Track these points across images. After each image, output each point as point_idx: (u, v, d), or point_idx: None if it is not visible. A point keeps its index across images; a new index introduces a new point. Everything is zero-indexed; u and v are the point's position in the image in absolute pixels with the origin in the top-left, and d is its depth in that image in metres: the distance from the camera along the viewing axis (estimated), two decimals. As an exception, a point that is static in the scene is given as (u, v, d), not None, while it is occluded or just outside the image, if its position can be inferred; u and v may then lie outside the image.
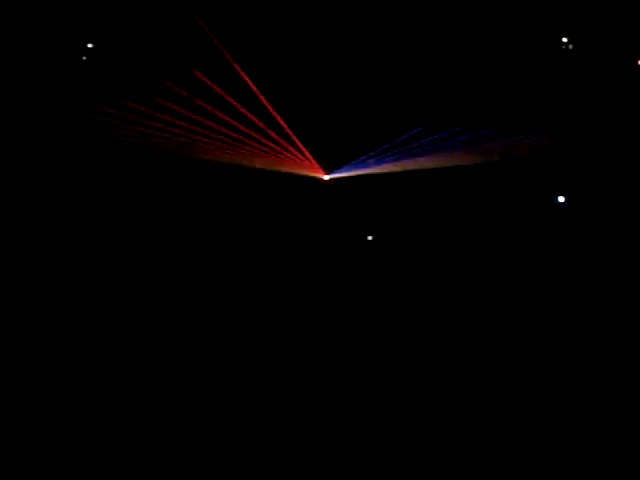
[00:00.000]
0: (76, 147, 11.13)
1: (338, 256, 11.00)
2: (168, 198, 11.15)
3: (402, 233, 11.12)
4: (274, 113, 11.18)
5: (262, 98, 11.17)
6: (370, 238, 11.10)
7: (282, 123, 11.26)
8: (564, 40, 11.37)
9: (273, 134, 11.32)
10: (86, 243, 10.73)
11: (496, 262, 10.73)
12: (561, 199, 10.85)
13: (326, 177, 11.51)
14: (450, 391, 9.23)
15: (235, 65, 11.15)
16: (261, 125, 11.23)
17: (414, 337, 9.98)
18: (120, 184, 11.10)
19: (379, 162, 11.30)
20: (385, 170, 11.26)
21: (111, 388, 9.09)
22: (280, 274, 10.75)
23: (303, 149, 11.40)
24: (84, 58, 11.34)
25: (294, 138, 11.36)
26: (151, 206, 11.07)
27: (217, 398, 9.10)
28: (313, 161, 11.45)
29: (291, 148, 11.44)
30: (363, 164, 11.39)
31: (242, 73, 11.17)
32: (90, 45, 11.37)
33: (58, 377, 9.16)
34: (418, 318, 10.20)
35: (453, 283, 10.55)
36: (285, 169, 11.38)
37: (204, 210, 11.13)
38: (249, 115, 11.19)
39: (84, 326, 9.87)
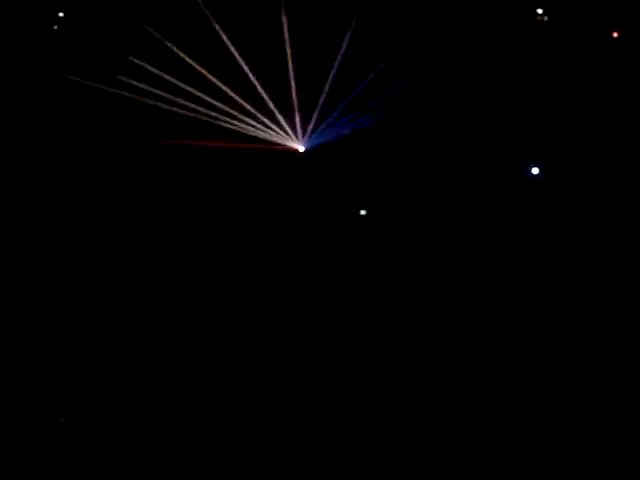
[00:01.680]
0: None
1: (332, 233, 10.95)
2: (148, 180, 11.11)
3: (390, 205, 11.08)
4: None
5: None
6: (363, 213, 11.01)
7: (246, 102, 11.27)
8: (539, 12, 11.38)
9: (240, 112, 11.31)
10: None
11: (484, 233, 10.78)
12: (535, 171, 10.90)
13: (302, 149, 11.48)
14: (436, 366, 9.32)
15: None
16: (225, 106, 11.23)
17: (407, 318, 9.99)
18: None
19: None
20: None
21: (111, 384, 9.07)
22: (269, 255, 10.71)
23: (274, 124, 11.37)
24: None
25: (263, 114, 11.36)
26: (132, 186, 11.01)
27: (206, 378, 9.18)
28: (287, 135, 11.40)
29: (262, 124, 11.39)
30: (337, 132, 11.36)
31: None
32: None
33: (58, 374, 9.15)
34: (413, 298, 10.23)
35: (447, 260, 10.56)
36: (259, 145, 11.31)
37: (186, 192, 11.09)
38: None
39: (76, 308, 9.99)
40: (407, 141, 11.30)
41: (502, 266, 10.42)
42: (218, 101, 11.40)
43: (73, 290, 10.10)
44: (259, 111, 11.48)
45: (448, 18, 11.31)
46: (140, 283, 10.28)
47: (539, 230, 10.69)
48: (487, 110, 11.26)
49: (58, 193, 10.85)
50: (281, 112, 11.50)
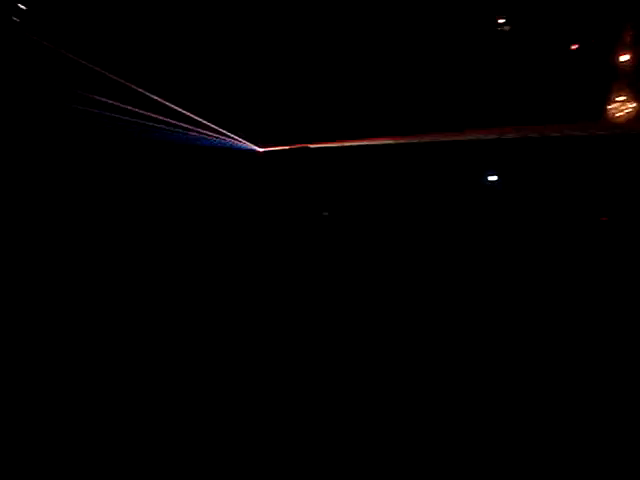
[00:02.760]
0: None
1: (293, 234, 10.91)
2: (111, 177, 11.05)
3: (352, 207, 11.06)
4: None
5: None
6: (326, 214, 10.98)
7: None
8: (500, 21, 11.48)
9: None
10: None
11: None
12: (493, 178, 10.97)
13: (261, 150, 11.45)
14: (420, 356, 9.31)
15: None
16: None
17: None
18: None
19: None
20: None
21: (111, 387, 8.89)
22: (223, 254, 10.66)
23: (234, 123, 11.34)
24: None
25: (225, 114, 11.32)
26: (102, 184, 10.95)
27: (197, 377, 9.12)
28: (246, 134, 11.38)
29: (222, 124, 11.35)
30: (297, 136, 11.35)
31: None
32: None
33: (58, 376, 8.99)
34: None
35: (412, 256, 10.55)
36: (221, 143, 11.27)
37: (144, 189, 11.01)
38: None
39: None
40: (370, 146, 11.37)
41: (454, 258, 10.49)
42: (181, 96, 11.35)
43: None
44: (223, 110, 11.46)
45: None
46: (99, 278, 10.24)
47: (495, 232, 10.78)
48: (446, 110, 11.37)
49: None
50: (246, 113, 11.49)
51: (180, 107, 11.31)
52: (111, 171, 11.13)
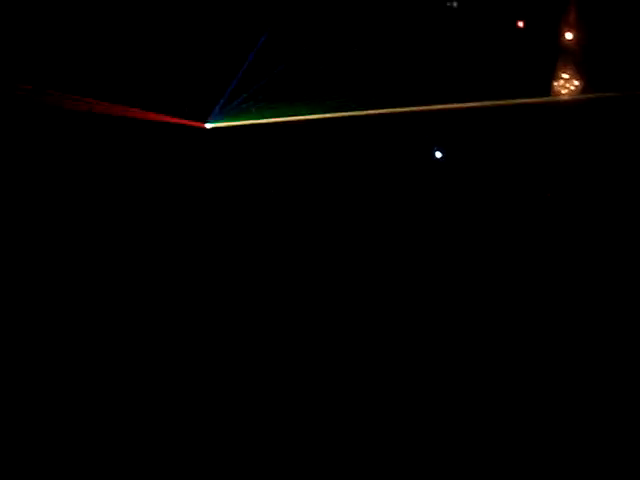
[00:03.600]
0: None
1: (242, 214, 10.80)
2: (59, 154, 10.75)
3: (303, 187, 11.05)
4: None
5: None
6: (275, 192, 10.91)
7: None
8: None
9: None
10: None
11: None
12: (438, 154, 11.05)
13: (207, 125, 11.28)
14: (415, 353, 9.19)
15: None
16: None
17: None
18: None
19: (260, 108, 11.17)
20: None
21: (111, 388, 8.63)
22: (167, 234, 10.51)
23: (179, 97, 11.13)
24: None
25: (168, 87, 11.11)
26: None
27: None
28: (191, 109, 11.18)
29: (166, 97, 11.13)
30: (245, 110, 11.21)
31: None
32: None
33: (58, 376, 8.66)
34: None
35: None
36: (162, 118, 11.05)
37: (83, 162, 10.75)
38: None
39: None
40: (317, 123, 11.33)
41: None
42: (129, 68, 11.09)
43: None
44: (169, 84, 11.23)
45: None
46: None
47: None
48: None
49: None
50: (193, 87, 11.29)
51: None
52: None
